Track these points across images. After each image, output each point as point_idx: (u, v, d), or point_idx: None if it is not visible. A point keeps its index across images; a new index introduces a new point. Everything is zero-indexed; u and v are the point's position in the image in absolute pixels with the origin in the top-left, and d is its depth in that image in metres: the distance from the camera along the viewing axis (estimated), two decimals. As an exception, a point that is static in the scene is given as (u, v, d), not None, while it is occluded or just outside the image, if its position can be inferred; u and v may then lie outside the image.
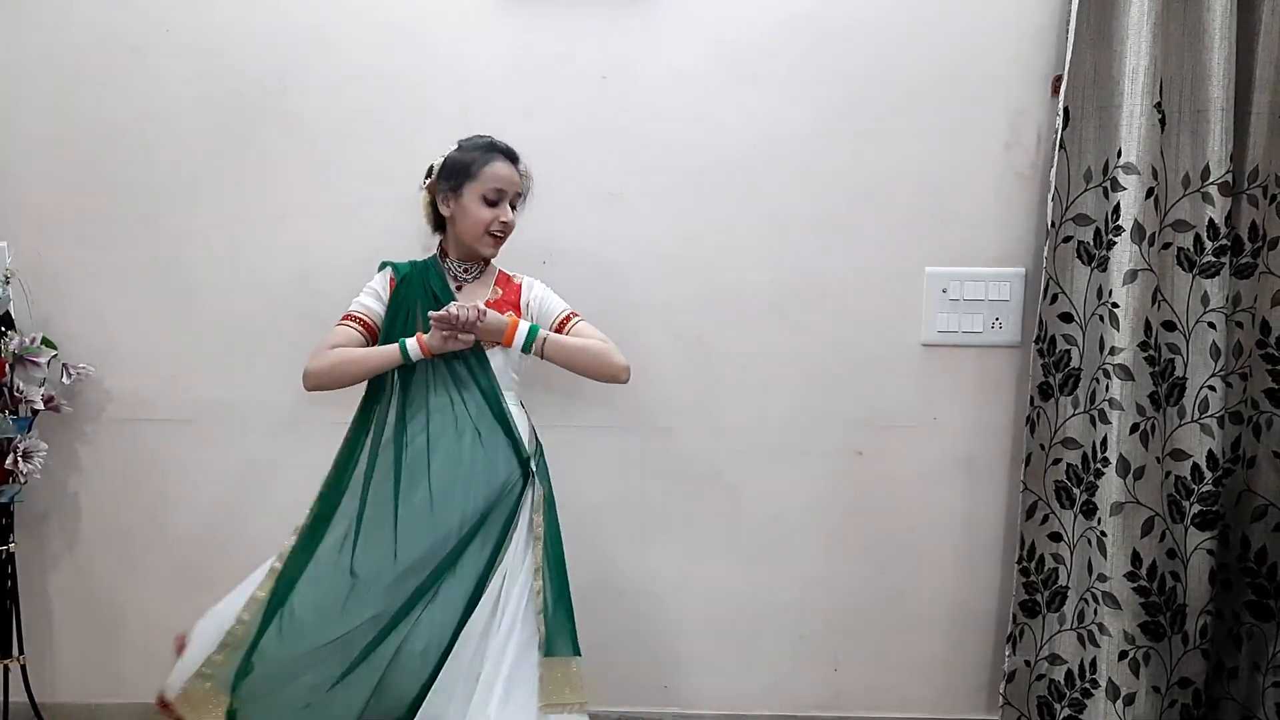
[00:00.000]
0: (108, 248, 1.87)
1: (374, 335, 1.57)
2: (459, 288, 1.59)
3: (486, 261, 1.62)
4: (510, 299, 1.60)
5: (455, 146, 1.58)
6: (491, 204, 1.54)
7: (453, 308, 1.46)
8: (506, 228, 1.56)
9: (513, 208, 1.58)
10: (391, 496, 1.47)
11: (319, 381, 1.52)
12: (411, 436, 1.50)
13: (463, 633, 1.41)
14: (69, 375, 1.83)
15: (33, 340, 1.80)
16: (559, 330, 1.57)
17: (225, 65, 1.82)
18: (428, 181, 1.60)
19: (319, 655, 1.40)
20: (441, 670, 1.40)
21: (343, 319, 1.57)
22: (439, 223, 1.62)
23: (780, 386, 1.88)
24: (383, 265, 1.63)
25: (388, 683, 1.39)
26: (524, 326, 1.51)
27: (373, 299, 1.59)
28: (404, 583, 1.43)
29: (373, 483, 1.50)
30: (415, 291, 1.57)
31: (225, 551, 1.94)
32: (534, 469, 1.52)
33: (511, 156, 1.58)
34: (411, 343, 1.50)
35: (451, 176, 1.56)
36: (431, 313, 1.48)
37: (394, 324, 1.56)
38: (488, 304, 1.55)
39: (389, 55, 1.81)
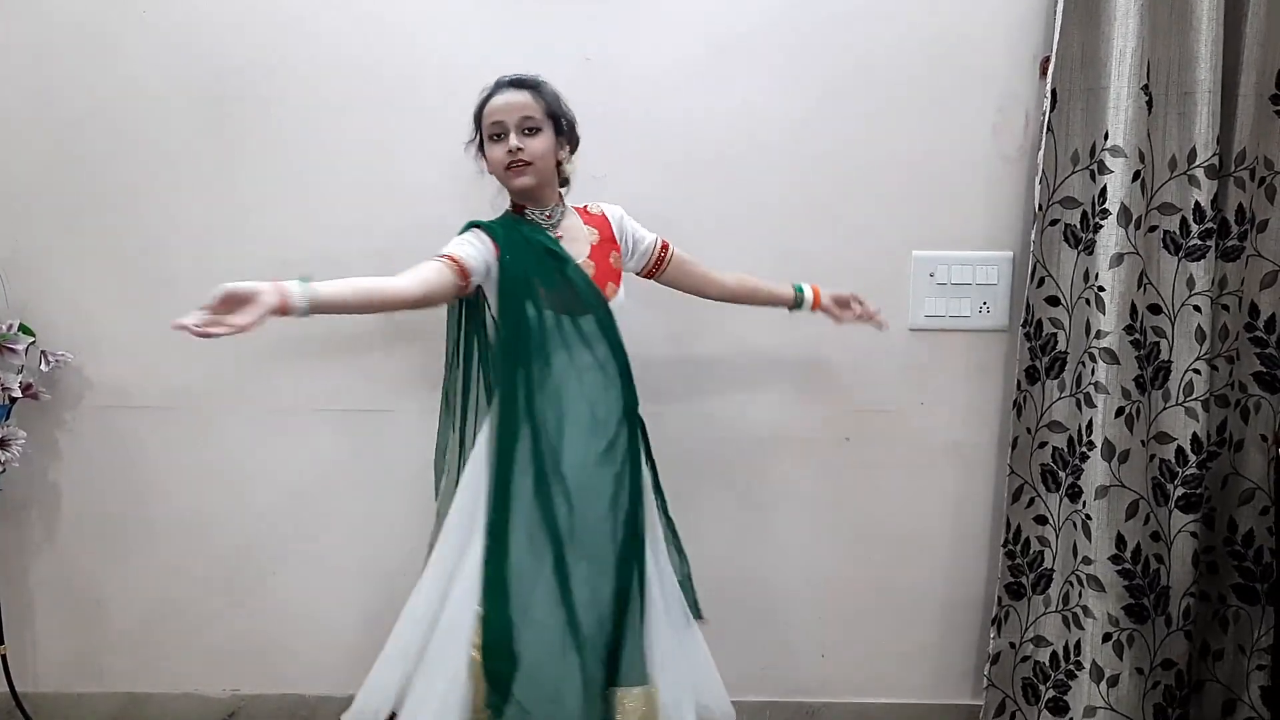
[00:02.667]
0: (85, 234, 1.92)
1: (467, 280, 1.47)
2: (559, 236, 1.57)
3: (559, 201, 1.60)
4: (606, 235, 1.61)
5: None
6: (497, 139, 1.53)
7: None
8: (517, 155, 1.51)
9: (530, 132, 1.53)
10: (563, 472, 1.50)
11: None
12: (566, 401, 1.52)
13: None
14: (47, 362, 1.87)
15: (10, 327, 1.85)
16: (659, 261, 1.69)
17: (203, 52, 1.86)
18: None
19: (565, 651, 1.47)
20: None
21: (439, 255, 1.47)
22: None
23: (767, 372, 1.95)
24: (468, 226, 1.55)
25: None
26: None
27: (473, 249, 1.49)
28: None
29: (545, 464, 1.50)
30: (524, 251, 1.53)
31: (207, 540, 2.01)
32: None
33: (517, 83, 1.54)
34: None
35: (475, 135, 1.59)
36: None
37: (513, 289, 1.51)
38: (594, 247, 1.58)
39: (368, 39, 1.86)
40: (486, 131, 1.55)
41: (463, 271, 1.46)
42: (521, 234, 1.55)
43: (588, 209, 1.65)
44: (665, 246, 1.70)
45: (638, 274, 1.70)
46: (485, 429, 1.57)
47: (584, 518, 1.51)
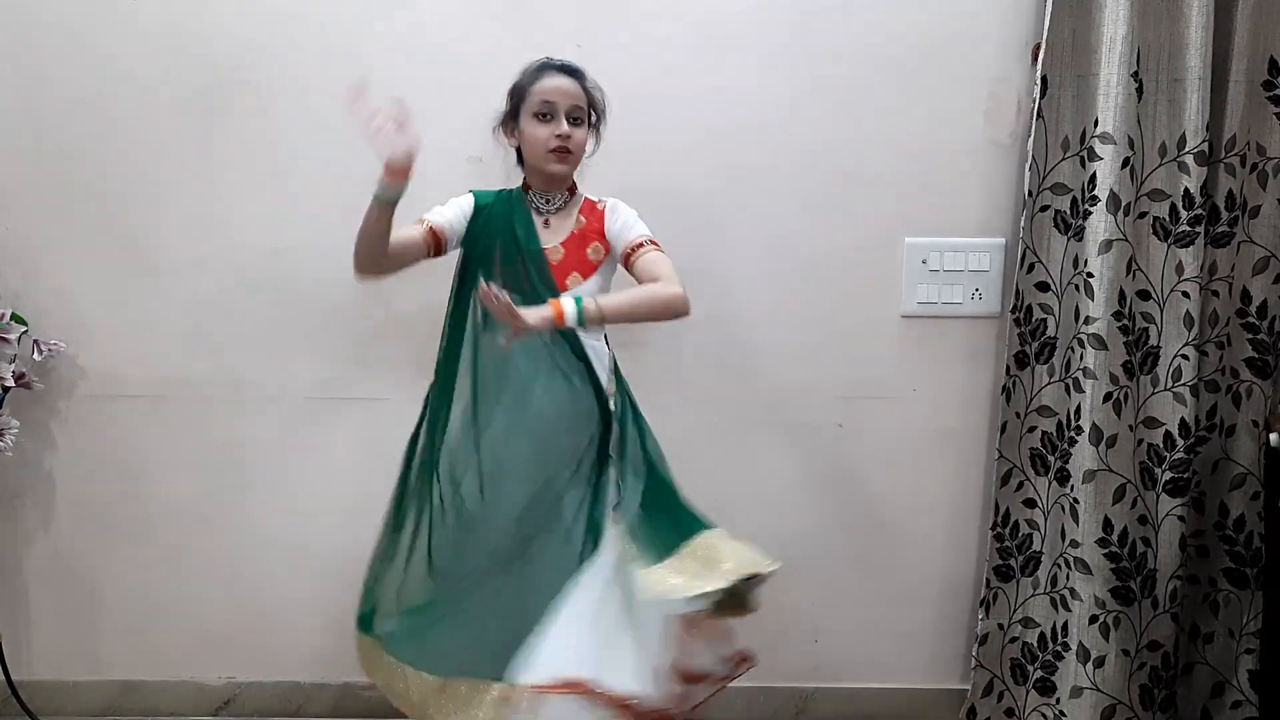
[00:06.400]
0: (77, 222, 1.99)
1: (439, 244, 1.65)
2: (545, 222, 1.67)
3: (571, 191, 1.69)
4: (595, 227, 1.68)
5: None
6: (544, 118, 1.61)
7: (495, 292, 1.47)
8: (566, 141, 1.60)
9: (576, 121, 1.62)
10: (486, 443, 1.64)
11: (358, 265, 1.62)
12: (504, 380, 1.63)
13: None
14: (40, 351, 1.95)
15: (1, 316, 1.92)
16: (627, 259, 1.66)
17: (194, 36, 1.93)
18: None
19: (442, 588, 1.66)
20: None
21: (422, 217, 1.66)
22: (521, 156, 1.70)
23: (760, 358, 2.04)
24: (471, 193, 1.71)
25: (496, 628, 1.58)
26: (570, 307, 1.52)
27: (451, 212, 1.67)
28: (509, 530, 1.62)
29: (470, 430, 1.65)
30: (496, 225, 1.66)
31: (201, 527, 2.10)
32: (613, 410, 1.67)
33: (567, 70, 1.64)
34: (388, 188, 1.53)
35: (509, 106, 1.66)
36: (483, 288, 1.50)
37: (470, 256, 1.68)
38: (572, 235, 1.66)
39: (356, 27, 1.93)
40: (533, 109, 1.61)
41: (435, 234, 1.65)
42: (504, 209, 1.67)
43: (596, 204, 1.71)
44: (634, 249, 1.65)
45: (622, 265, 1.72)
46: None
47: (492, 516, 1.63)
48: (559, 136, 1.61)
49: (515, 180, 1.73)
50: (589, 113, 1.66)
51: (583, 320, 1.53)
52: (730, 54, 1.95)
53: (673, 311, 1.61)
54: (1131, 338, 1.89)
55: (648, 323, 1.68)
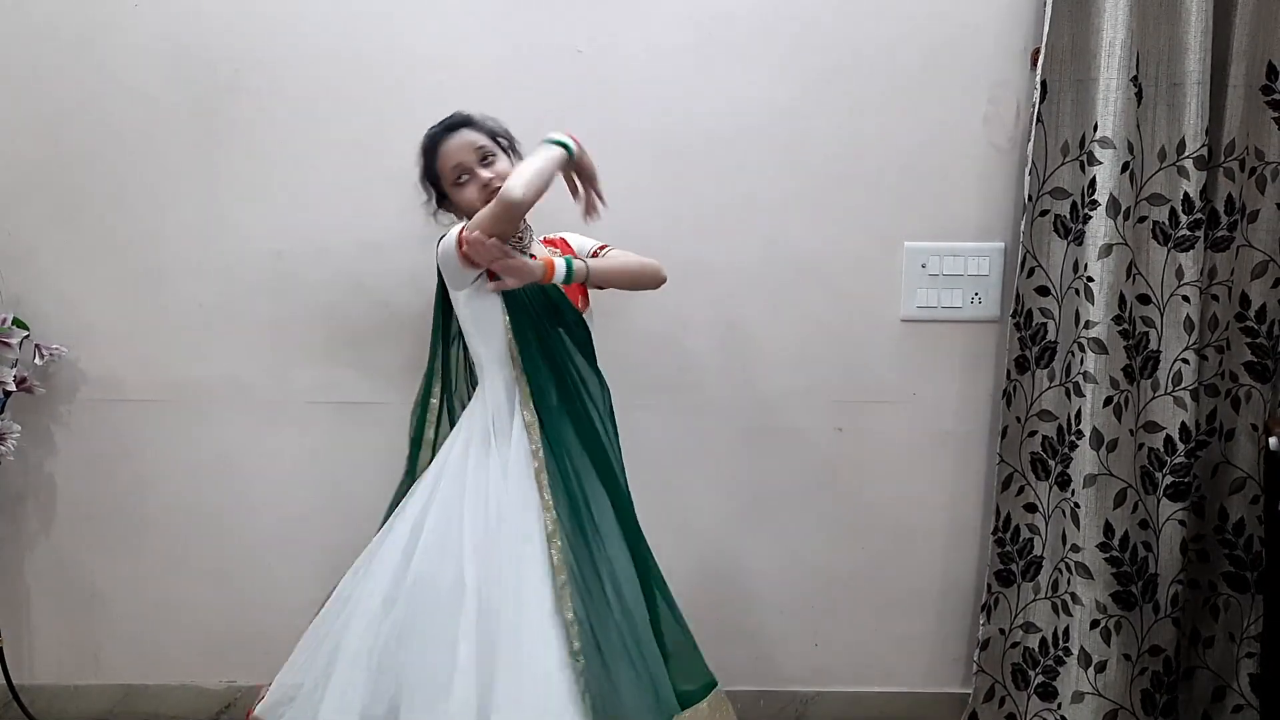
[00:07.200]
0: (79, 227, 2.00)
1: None
2: (532, 256, 1.66)
3: (526, 223, 1.68)
4: (568, 250, 1.76)
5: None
6: (464, 181, 1.64)
7: (478, 236, 1.52)
8: (491, 183, 1.62)
9: (488, 161, 1.64)
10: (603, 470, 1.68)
11: (526, 198, 1.52)
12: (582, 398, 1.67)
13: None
14: (41, 356, 1.96)
15: (3, 321, 1.93)
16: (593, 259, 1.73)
17: (196, 41, 1.94)
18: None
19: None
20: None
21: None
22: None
23: (759, 362, 2.04)
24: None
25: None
26: (560, 263, 1.62)
27: None
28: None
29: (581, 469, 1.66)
30: None
31: (202, 532, 2.10)
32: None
33: (453, 126, 1.65)
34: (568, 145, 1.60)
35: (432, 190, 1.69)
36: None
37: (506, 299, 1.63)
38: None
39: (358, 30, 1.94)
40: (450, 179, 1.65)
41: None
42: None
43: (546, 236, 1.76)
44: (599, 250, 1.75)
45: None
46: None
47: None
48: (483, 184, 1.63)
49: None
50: (496, 144, 1.67)
51: (570, 277, 1.63)
52: (731, 59, 1.95)
53: (653, 277, 1.74)
54: (1132, 342, 1.89)
55: (630, 290, 1.76)
